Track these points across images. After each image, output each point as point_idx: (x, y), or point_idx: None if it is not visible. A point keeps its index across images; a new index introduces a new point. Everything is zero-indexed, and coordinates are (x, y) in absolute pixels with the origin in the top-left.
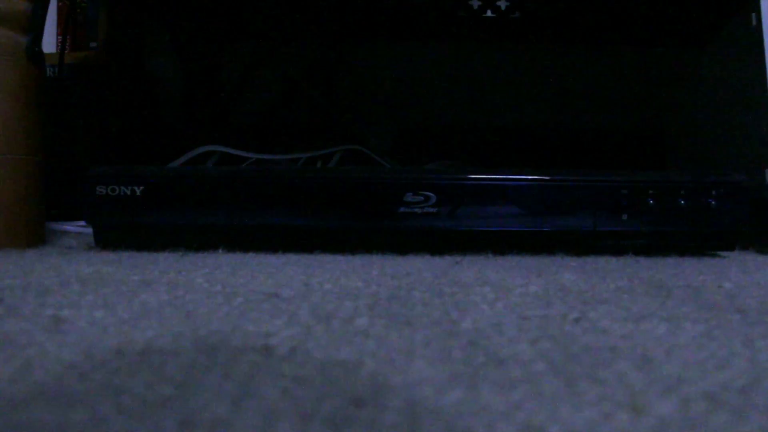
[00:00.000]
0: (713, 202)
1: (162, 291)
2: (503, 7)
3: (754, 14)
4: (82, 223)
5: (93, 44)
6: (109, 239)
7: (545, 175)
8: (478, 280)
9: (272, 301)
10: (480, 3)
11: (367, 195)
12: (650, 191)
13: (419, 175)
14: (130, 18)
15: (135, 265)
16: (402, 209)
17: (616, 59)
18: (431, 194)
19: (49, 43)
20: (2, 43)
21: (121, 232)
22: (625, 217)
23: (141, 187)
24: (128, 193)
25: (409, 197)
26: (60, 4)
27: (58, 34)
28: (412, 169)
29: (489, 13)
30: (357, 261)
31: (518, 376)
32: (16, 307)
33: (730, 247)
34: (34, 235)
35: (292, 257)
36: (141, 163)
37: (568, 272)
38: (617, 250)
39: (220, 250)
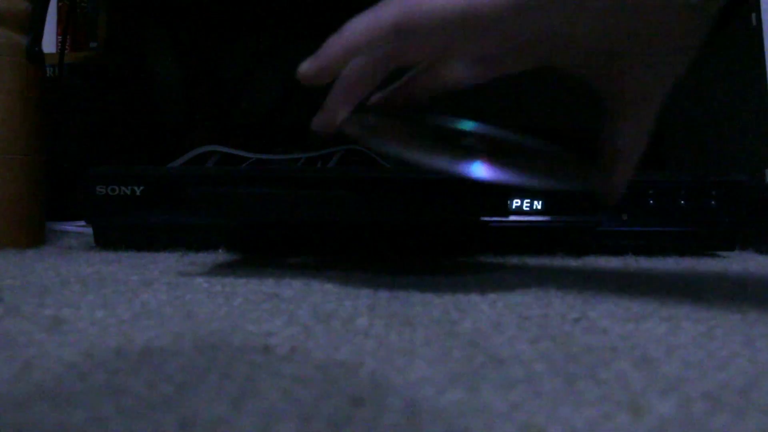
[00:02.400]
0: (713, 202)
1: (162, 291)
2: None
3: (754, 14)
4: (82, 223)
5: (93, 44)
6: (109, 239)
7: None
8: (478, 280)
9: (272, 301)
10: None
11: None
12: (650, 191)
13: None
14: (130, 18)
15: (135, 265)
16: None
17: None
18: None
19: (49, 43)
20: (2, 43)
21: (121, 232)
22: (625, 217)
23: (141, 187)
24: (128, 193)
25: None
26: (60, 4)
27: (58, 34)
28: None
29: None
30: (357, 261)
31: (518, 376)
32: (16, 307)
33: (730, 247)
34: (34, 235)
35: (293, 257)
36: (141, 163)
37: (568, 272)
38: (617, 250)
39: (220, 250)
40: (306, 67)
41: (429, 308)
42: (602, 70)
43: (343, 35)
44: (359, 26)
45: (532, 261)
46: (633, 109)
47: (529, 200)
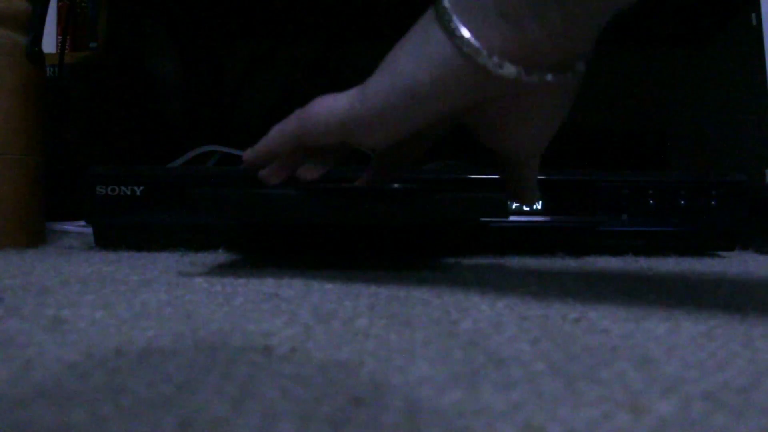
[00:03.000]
0: (713, 202)
1: (162, 291)
2: None
3: (754, 14)
4: (82, 223)
5: (93, 44)
6: (109, 239)
7: (543, 175)
8: (478, 281)
9: (272, 301)
10: None
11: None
12: (650, 191)
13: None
14: (130, 18)
15: (135, 265)
16: None
17: (617, 59)
18: None
19: (49, 43)
20: (2, 43)
21: (121, 232)
22: (625, 217)
23: (141, 187)
24: (128, 193)
25: None
26: (60, 4)
27: (58, 34)
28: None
29: None
30: (357, 261)
31: (518, 376)
32: (16, 307)
33: (730, 247)
34: (34, 235)
35: (293, 257)
36: (141, 163)
37: (568, 272)
38: (617, 250)
39: (220, 250)
40: (247, 154)
41: (429, 308)
42: (492, 136)
43: (266, 139)
44: (274, 134)
45: (532, 261)
46: (530, 159)
47: None
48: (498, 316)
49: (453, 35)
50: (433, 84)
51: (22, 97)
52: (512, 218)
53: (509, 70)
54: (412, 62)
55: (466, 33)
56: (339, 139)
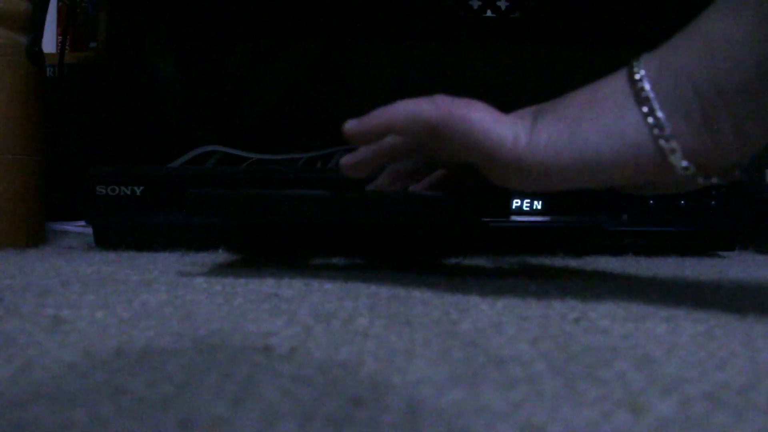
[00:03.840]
0: (713, 202)
1: (162, 291)
2: (503, 7)
3: None
4: (82, 223)
5: (93, 44)
6: (109, 239)
7: None
8: (478, 281)
9: (272, 301)
10: (480, 3)
11: None
12: None
13: None
14: (130, 18)
15: (135, 265)
16: None
17: (617, 59)
18: None
19: (49, 43)
20: (2, 43)
21: (121, 232)
22: (625, 217)
23: (141, 187)
24: (128, 193)
25: None
26: (60, 4)
27: (58, 34)
28: None
29: (489, 13)
30: (357, 261)
31: (518, 376)
32: (16, 307)
33: (730, 247)
34: (34, 235)
35: (293, 257)
36: (141, 163)
37: (568, 272)
38: (617, 250)
39: (220, 250)
40: (350, 125)
41: (429, 308)
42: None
43: (388, 113)
44: (404, 112)
45: (532, 261)
46: None
47: (529, 201)
48: (498, 316)
49: (654, 126)
50: (614, 162)
51: (22, 97)
52: (512, 218)
53: (691, 171)
54: (599, 134)
55: (669, 130)
56: (474, 162)
